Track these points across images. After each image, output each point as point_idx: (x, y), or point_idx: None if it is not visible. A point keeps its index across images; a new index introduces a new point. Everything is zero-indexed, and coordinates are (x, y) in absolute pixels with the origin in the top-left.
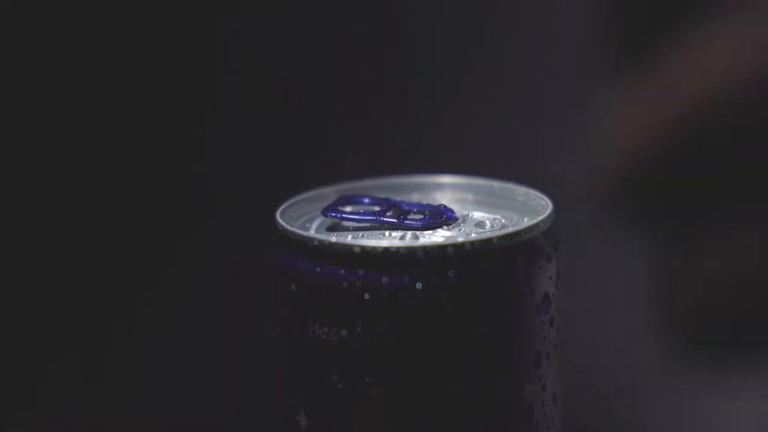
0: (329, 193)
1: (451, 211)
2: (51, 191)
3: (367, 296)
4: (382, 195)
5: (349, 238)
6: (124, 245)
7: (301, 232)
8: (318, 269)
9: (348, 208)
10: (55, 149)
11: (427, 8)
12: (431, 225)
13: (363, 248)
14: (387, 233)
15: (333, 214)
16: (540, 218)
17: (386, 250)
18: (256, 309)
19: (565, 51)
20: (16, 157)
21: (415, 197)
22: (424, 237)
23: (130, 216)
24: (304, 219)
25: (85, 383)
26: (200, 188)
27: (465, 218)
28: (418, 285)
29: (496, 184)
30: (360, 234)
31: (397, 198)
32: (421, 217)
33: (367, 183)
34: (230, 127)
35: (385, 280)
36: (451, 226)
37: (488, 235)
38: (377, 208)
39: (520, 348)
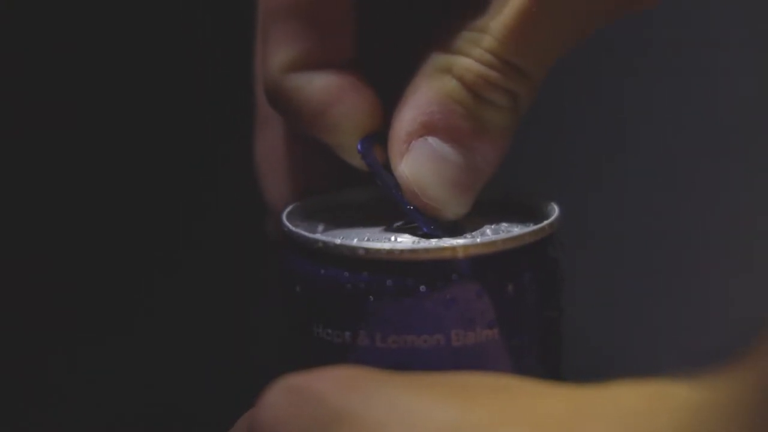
0: (334, 197)
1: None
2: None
3: (371, 298)
4: None
5: (354, 241)
6: (126, 247)
7: (305, 233)
8: (322, 271)
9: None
10: (57, 149)
11: None
12: (437, 228)
13: (368, 250)
14: (392, 237)
15: (365, 150)
16: (546, 222)
17: (391, 253)
18: (261, 309)
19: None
20: (21, 154)
21: None
22: (429, 240)
23: (133, 218)
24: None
25: (84, 383)
26: (207, 187)
27: (471, 222)
28: (422, 288)
29: (502, 189)
30: (365, 237)
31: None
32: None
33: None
34: (236, 126)
35: (389, 282)
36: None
37: (493, 238)
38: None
39: (524, 350)
